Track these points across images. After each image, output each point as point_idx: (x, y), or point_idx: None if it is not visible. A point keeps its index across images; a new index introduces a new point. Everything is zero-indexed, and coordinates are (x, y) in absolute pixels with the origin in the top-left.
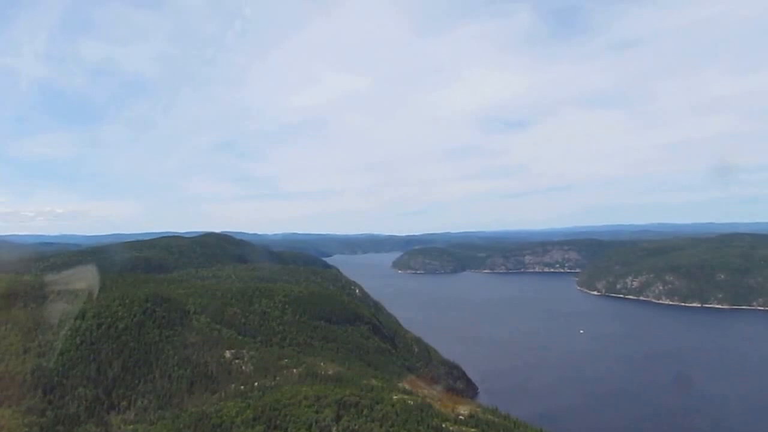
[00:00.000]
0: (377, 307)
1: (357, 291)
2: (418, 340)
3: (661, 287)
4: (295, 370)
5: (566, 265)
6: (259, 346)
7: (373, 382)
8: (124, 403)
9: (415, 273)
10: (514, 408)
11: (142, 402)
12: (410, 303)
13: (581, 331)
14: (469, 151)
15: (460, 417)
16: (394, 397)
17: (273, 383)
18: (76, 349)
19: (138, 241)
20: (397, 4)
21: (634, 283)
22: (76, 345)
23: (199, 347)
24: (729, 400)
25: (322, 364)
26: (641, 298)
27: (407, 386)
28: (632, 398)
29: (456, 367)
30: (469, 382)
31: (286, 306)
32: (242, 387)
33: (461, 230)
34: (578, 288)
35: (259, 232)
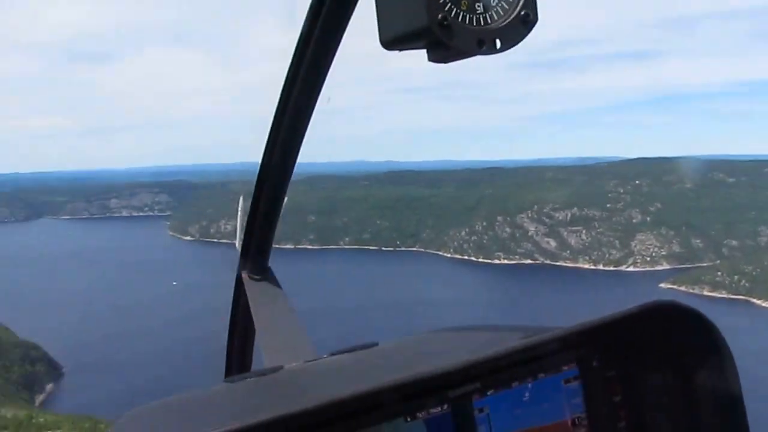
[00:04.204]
0: None
1: None
2: None
3: None
4: None
5: (156, 208)
6: None
7: None
8: None
9: None
10: (101, 387)
11: None
12: None
13: (174, 283)
14: (45, 81)
15: None
16: None
17: None
18: None
19: None
20: None
21: (227, 226)
22: None
23: None
24: None
25: None
26: (234, 241)
27: None
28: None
29: (35, 347)
30: (51, 363)
31: None
32: None
33: (34, 170)
34: (171, 233)
35: None
